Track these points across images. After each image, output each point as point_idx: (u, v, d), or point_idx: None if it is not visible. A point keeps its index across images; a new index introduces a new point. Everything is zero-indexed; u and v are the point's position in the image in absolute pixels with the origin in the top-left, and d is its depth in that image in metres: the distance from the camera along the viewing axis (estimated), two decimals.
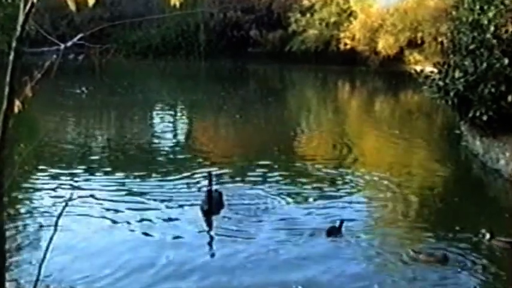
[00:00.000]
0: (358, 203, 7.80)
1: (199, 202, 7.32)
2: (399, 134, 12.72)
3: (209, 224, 6.82)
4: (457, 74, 9.43)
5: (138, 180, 8.61)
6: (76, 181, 8.44)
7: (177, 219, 6.94)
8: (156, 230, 6.58)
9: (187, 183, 8.48)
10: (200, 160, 10.08)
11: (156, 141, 12.13)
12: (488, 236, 6.25)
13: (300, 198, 7.88)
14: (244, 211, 7.19)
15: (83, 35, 2.07)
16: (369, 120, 15.60)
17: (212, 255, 6.04)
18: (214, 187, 7.32)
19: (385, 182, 8.66)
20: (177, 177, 8.84)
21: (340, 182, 8.78)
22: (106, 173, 9.03)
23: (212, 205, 6.84)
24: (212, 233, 6.60)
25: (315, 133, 13.53)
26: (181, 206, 7.40)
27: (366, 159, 10.42)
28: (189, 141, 12.53)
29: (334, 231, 6.42)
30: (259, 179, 8.81)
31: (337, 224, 6.52)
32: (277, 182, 8.75)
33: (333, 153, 11.10)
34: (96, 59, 16.48)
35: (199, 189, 7.80)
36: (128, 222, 6.77)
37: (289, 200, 7.77)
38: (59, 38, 2.58)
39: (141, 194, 7.89)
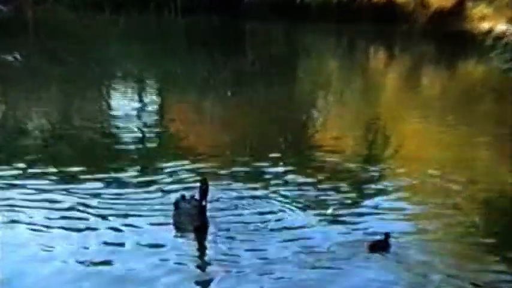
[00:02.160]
0: (401, 210, 8.00)
1: (172, 214, 7.42)
2: (455, 121, 13.00)
3: (200, 246, 6.86)
4: None
5: (88, 183, 8.53)
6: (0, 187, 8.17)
7: (149, 243, 6.83)
8: (118, 257, 6.45)
9: (159, 189, 8.45)
10: (176, 154, 10.14)
11: (115, 128, 12.27)
12: None
13: (317, 206, 8.01)
14: (242, 227, 7.26)
15: None
16: (412, 101, 15.90)
17: None
18: (190, 193, 7.50)
19: (435, 187, 8.88)
20: (144, 179, 8.84)
21: (371, 185, 8.96)
22: (43, 174, 8.85)
23: (206, 219, 6.95)
24: (202, 260, 6.61)
25: (337, 118, 13.83)
26: (151, 221, 7.35)
27: (407, 155, 10.58)
28: (161, 128, 12.62)
29: (378, 246, 6.63)
30: (259, 180, 8.88)
31: (380, 237, 6.75)
32: (284, 184, 8.83)
33: (361, 146, 11.32)
34: (29, 11, 16.02)
35: (183, 196, 7.74)
36: (73, 247, 6.63)
37: (302, 208, 7.91)
38: None
39: (93, 203, 7.79)
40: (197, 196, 7.04)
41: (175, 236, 6.98)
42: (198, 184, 7.13)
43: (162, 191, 8.28)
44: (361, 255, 6.54)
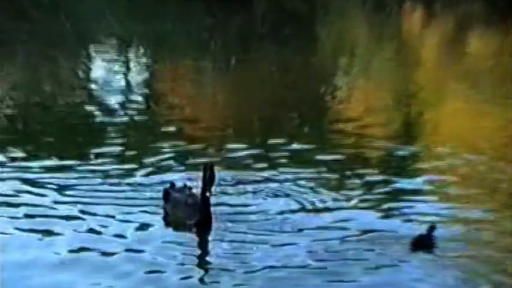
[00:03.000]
0: (445, 202, 7.76)
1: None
2: (505, 97, 12.84)
3: (201, 245, 6.64)
4: None
5: (61, 171, 8.36)
6: None
7: (135, 240, 6.58)
8: (97, 252, 6.28)
9: (148, 175, 8.30)
10: (169, 134, 10.06)
11: (94, 103, 12.19)
12: None
13: (344, 190, 7.85)
14: (252, 221, 7.00)
15: None
16: (454, 72, 15.73)
17: None
18: (187, 183, 7.41)
19: (478, 171, 8.75)
20: (130, 165, 8.67)
21: (405, 166, 9.00)
22: (12, 159, 8.73)
23: (210, 213, 6.80)
24: (202, 264, 6.29)
25: (364, 89, 13.71)
26: (137, 216, 7.08)
27: (447, 135, 10.46)
28: (150, 103, 12.62)
29: (423, 242, 6.54)
30: (272, 162, 8.79)
31: (425, 231, 6.60)
32: (301, 165, 8.65)
33: (393, 121, 11.23)
34: None
35: (172, 185, 7.45)
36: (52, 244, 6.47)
37: (326, 193, 7.75)
38: None
39: (69, 195, 7.58)
40: (190, 184, 7.12)
41: (166, 234, 6.79)
42: (199, 171, 6.92)
43: (152, 177, 8.19)
44: (400, 247, 6.41)
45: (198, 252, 6.47)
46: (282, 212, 7.19)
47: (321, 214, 7.21)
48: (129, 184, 7.95)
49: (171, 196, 7.17)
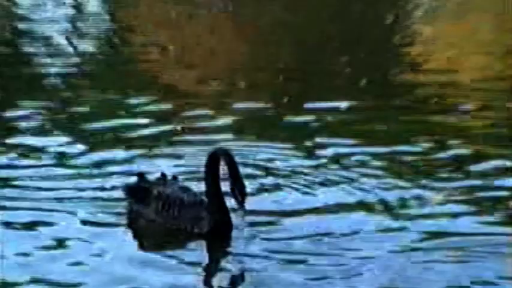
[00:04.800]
0: None
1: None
2: None
3: (213, 269, 5.44)
4: None
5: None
6: None
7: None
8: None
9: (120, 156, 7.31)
10: (156, 93, 9.43)
11: (55, 48, 11.89)
12: None
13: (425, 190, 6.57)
14: (289, 232, 5.81)
15: None
16: None
17: None
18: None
19: None
20: (94, 139, 7.83)
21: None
22: None
23: (229, 216, 5.74)
24: None
25: (442, 35, 13.08)
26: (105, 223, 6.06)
27: None
28: (126, 53, 12.15)
29: None
30: (299, 139, 7.76)
31: None
32: (343, 144, 7.60)
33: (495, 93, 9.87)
34: None
35: (163, 175, 6.26)
36: None
37: (386, 182, 6.68)
38: None
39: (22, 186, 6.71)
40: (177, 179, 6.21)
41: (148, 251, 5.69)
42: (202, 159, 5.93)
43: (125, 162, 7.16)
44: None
45: (212, 280, 5.23)
46: (337, 211, 6.17)
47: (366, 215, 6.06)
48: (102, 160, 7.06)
49: (155, 192, 5.96)
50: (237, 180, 5.51)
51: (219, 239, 5.70)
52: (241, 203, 5.54)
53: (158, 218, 5.89)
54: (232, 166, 5.53)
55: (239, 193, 5.52)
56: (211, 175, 5.64)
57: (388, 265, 5.31)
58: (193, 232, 5.74)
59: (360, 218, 6.22)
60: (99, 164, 7.19)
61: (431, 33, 13.87)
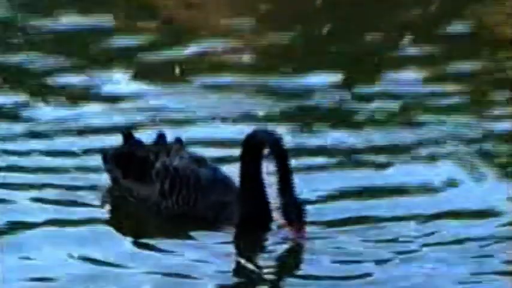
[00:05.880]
0: None
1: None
2: None
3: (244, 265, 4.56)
4: None
5: None
6: None
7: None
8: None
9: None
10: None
11: None
12: None
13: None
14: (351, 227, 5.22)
15: None
16: None
17: None
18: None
19: None
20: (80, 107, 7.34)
21: None
22: None
23: (268, 206, 4.75)
24: None
25: None
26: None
27: None
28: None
29: None
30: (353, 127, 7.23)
31: None
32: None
33: None
34: None
35: (161, 136, 5.53)
36: None
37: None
38: None
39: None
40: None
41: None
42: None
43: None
44: None
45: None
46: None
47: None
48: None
49: (158, 164, 4.87)
50: (287, 192, 4.51)
51: (252, 230, 4.72)
52: (296, 227, 4.39)
53: (164, 203, 4.74)
54: (282, 162, 4.49)
55: (293, 212, 4.42)
56: (249, 162, 4.58)
57: None
58: (217, 224, 4.63)
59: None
60: (65, 120, 6.61)
61: None
